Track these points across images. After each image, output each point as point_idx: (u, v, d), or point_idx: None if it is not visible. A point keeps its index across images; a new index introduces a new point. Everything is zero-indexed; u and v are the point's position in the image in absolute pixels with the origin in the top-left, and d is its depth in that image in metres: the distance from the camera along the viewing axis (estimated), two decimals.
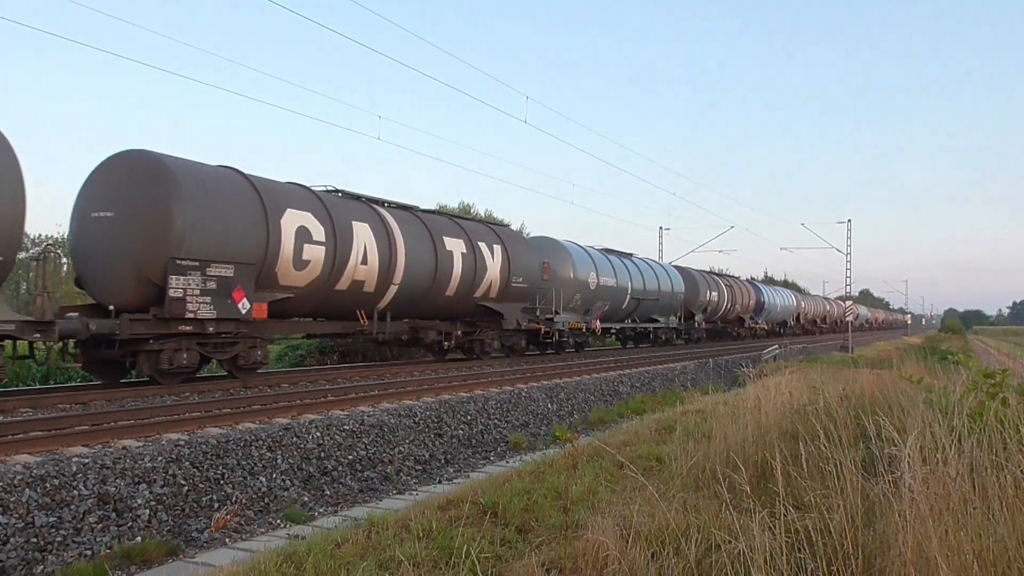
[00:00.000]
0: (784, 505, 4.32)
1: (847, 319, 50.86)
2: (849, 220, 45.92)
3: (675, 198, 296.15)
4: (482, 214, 44.10)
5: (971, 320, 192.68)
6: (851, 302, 52.23)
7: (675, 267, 36.31)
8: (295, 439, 9.83)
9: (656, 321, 32.53)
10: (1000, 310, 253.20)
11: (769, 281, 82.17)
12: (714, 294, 39.10)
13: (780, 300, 52.78)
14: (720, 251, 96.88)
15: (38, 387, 15.24)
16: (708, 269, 47.25)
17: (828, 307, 72.61)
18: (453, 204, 44.09)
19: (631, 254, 31.65)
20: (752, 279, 55.80)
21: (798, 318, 58.35)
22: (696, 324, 37.23)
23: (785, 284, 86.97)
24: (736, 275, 49.30)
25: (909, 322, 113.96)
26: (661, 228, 72.46)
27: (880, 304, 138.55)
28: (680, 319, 35.20)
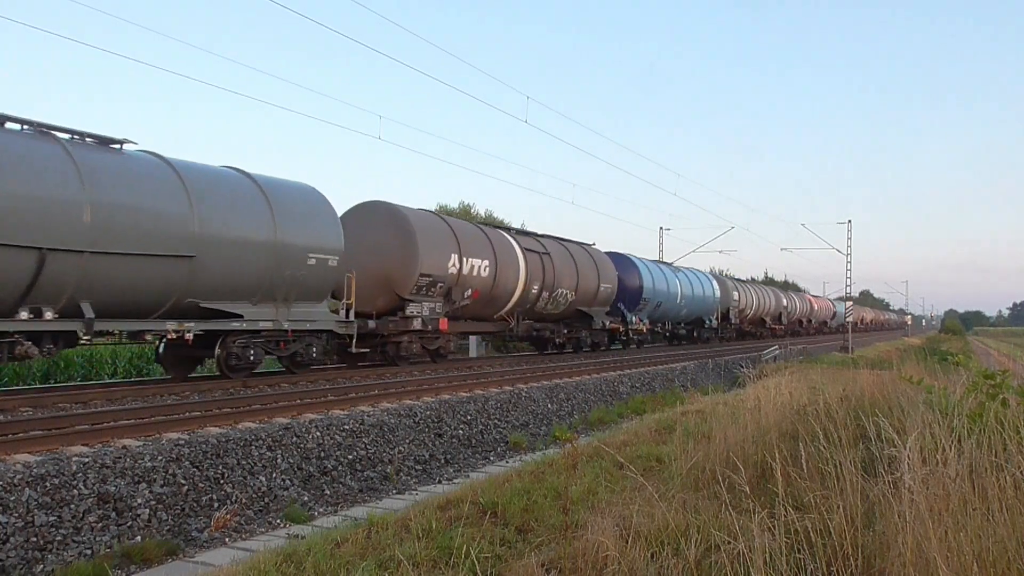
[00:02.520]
0: (784, 506, 4.33)
1: (847, 319, 50.81)
2: (849, 221, 45.76)
3: (675, 198, 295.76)
4: (482, 214, 44.03)
5: (971, 321, 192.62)
6: (851, 302, 52.17)
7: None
8: (295, 439, 9.83)
9: (230, 315, 12.94)
10: (1000, 311, 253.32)
11: (769, 282, 79.46)
12: (478, 264, 18.78)
13: (681, 287, 32.90)
14: (720, 251, 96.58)
15: (38, 386, 15.25)
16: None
17: (787, 302, 53.15)
18: (453, 204, 44.01)
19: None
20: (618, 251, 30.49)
21: (726, 315, 39.85)
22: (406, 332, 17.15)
23: (785, 285, 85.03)
24: (590, 242, 27.70)
25: (909, 322, 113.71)
26: (661, 228, 72.41)
27: (880, 305, 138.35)
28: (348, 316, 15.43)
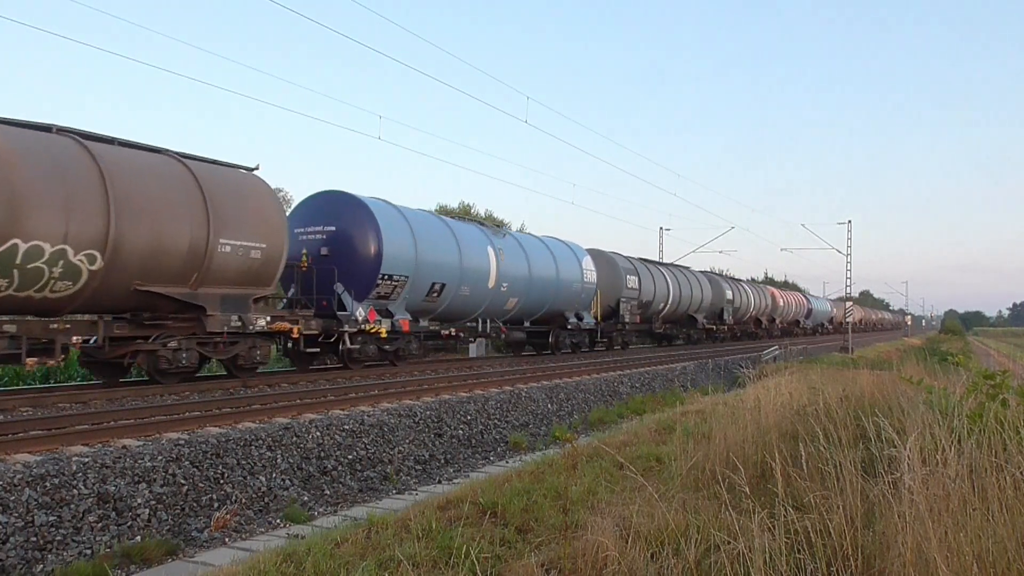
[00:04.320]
0: (784, 506, 4.33)
1: (847, 319, 50.79)
2: (849, 221, 45.71)
3: (675, 198, 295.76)
4: (482, 214, 43.96)
5: (971, 321, 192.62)
6: (851, 302, 52.17)
7: None
8: (295, 439, 9.84)
9: None
10: (1000, 311, 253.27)
11: (769, 282, 78.30)
12: None
13: (500, 263, 20.34)
14: (720, 252, 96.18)
15: (38, 386, 15.24)
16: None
17: (732, 294, 40.40)
18: (453, 204, 43.99)
19: None
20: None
21: (616, 310, 27.44)
22: None
23: (785, 285, 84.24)
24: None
25: (909, 322, 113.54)
26: (661, 228, 72.39)
27: (880, 305, 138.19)
28: None
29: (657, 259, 38.43)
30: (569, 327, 24.66)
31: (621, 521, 5.01)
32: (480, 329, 20.51)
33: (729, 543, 4.06)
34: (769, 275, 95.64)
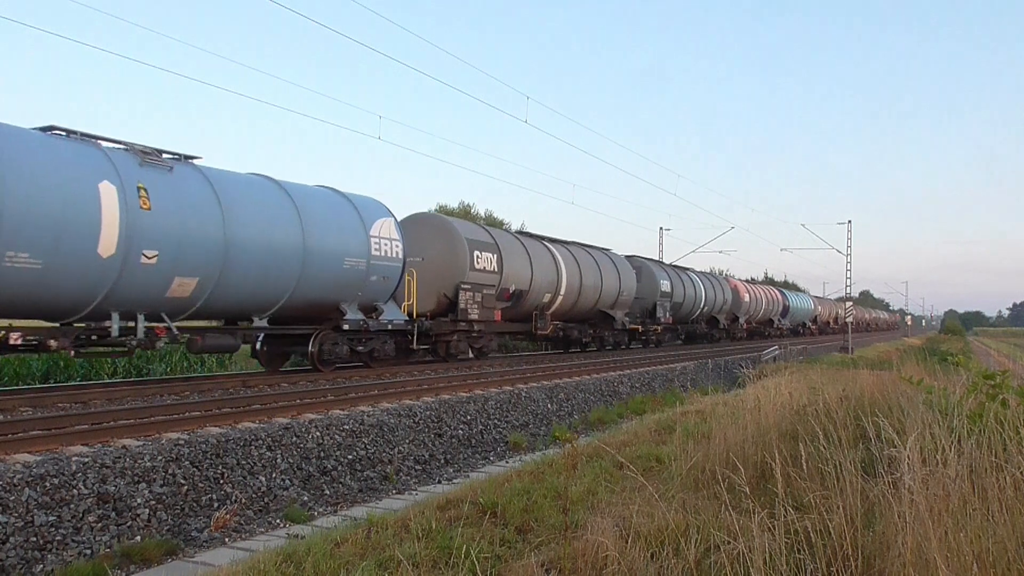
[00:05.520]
0: (784, 506, 4.33)
1: (847, 319, 50.74)
2: (849, 221, 45.69)
3: (675, 198, 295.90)
4: (482, 214, 43.90)
5: (971, 321, 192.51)
6: (850, 302, 52.14)
7: None
8: (295, 439, 9.83)
9: None
10: (1000, 311, 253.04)
11: (769, 282, 77.81)
12: None
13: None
14: (720, 252, 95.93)
15: (38, 386, 15.24)
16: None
17: (671, 285, 31.54)
18: (453, 204, 43.96)
19: None
20: None
21: (453, 303, 18.85)
22: None
23: (785, 285, 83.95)
24: None
25: (909, 323, 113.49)
26: (661, 228, 72.35)
27: (880, 305, 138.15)
28: None
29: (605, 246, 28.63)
30: (346, 327, 15.69)
31: (621, 521, 5.01)
32: (115, 332, 11.69)
33: (729, 543, 4.06)
34: (769, 275, 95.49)
